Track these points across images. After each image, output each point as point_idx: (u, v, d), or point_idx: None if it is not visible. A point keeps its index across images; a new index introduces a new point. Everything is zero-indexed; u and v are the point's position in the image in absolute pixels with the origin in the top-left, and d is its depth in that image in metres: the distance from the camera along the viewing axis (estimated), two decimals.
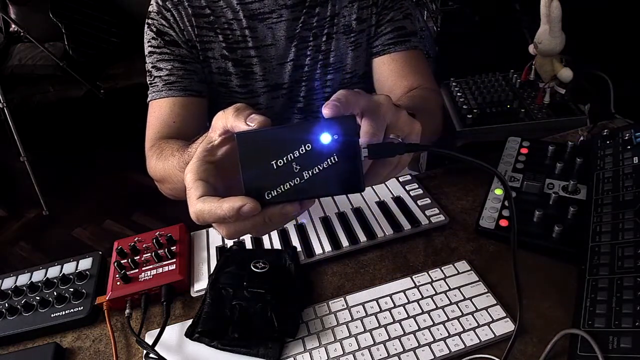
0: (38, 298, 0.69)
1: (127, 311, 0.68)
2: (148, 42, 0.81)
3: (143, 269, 0.71)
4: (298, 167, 0.37)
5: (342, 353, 0.60)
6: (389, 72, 0.84)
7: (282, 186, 0.38)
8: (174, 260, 0.72)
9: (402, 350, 0.59)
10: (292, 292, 0.67)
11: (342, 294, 0.68)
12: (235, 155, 0.38)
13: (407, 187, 0.83)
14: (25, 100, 2.49)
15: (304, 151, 0.37)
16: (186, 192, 0.40)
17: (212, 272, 0.71)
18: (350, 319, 0.64)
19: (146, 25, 0.81)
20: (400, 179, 0.86)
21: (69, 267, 0.75)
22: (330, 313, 0.65)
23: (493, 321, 0.61)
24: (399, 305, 0.65)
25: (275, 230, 0.78)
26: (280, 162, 0.37)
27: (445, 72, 1.42)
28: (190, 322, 0.65)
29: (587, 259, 0.64)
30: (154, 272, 0.70)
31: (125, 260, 0.72)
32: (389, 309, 0.64)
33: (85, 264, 0.75)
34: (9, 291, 0.72)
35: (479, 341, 0.59)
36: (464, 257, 0.71)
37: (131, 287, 0.69)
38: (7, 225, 2.26)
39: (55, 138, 2.64)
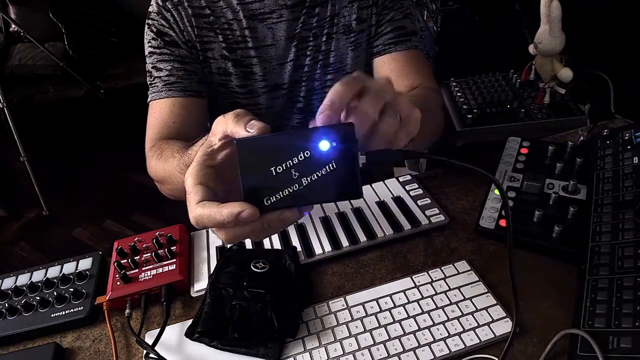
0: (38, 298, 0.69)
1: (127, 311, 0.68)
2: (148, 42, 0.81)
3: (143, 269, 0.71)
4: (297, 174, 0.38)
5: (342, 353, 0.60)
6: (390, 72, 0.84)
7: (280, 192, 0.38)
8: (174, 260, 0.72)
9: (402, 350, 0.59)
10: (292, 292, 0.67)
11: (342, 294, 0.68)
12: (235, 159, 0.38)
13: (407, 187, 0.83)
14: (25, 100, 2.49)
15: (302, 158, 0.37)
16: (186, 195, 0.40)
17: (212, 272, 0.71)
18: (350, 319, 0.64)
19: (146, 26, 0.81)
20: (400, 179, 0.86)
21: (69, 267, 0.75)
22: (330, 313, 0.65)
23: (493, 321, 0.61)
24: (399, 305, 0.65)
25: None
26: (279, 169, 0.38)
27: (445, 72, 1.42)
28: (190, 322, 0.65)
29: (587, 259, 0.64)
30: (154, 272, 0.70)
31: (125, 260, 0.72)
32: (389, 309, 0.64)
33: (85, 264, 0.75)
34: (9, 291, 0.72)
35: (479, 341, 0.59)
36: (464, 257, 0.71)
37: (131, 287, 0.69)
38: (7, 225, 2.26)
39: (55, 138, 2.64)
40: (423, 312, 0.63)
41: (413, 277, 0.68)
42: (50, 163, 2.49)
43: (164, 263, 0.71)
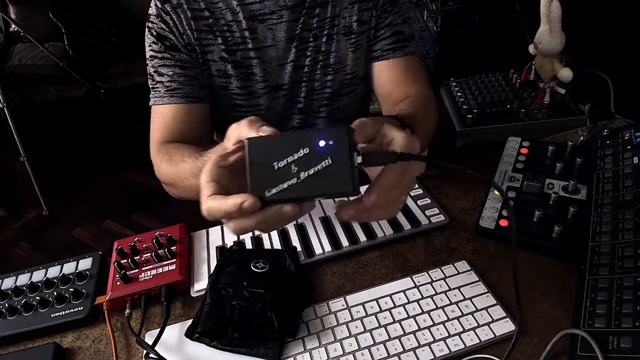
0: (38, 298, 0.69)
1: (127, 311, 0.68)
2: (149, 45, 0.81)
3: (143, 269, 0.71)
4: (296, 169, 0.40)
5: (342, 353, 0.60)
6: (388, 79, 0.86)
7: (280, 185, 0.41)
8: (174, 260, 0.72)
9: (402, 350, 0.59)
10: (292, 292, 0.67)
11: (342, 294, 0.68)
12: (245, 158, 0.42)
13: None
14: (25, 100, 2.49)
15: (302, 154, 0.40)
16: (200, 191, 0.43)
17: (212, 272, 0.71)
18: (350, 319, 0.64)
19: (147, 29, 0.81)
20: None
21: (69, 267, 0.75)
22: (330, 313, 0.65)
23: (493, 321, 0.61)
24: (399, 305, 0.65)
25: (275, 230, 0.78)
26: (280, 164, 0.41)
27: (445, 72, 1.42)
28: (190, 322, 0.65)
29: (587, 259, 0.64)
30: (154, 272, 0.70)
31: (125, 260, 0.72)
32: (389, 309, 0.64)
33: (85, 264, 0.75)
34: (9, 291, 0.72)
35: (479, 341, 0.59)
36: (464, 257, 0.71)
37: (131, 287, 0.69)
38: (7, 225, 2.26)
39: (55, 138, 2.64)
40: (423, 312, 0.63)
41: (413, 277, 0.68)
42: (50, 163, 2.49)
43: (164, 263, 0.71)
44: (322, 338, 0.62)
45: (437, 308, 0.64)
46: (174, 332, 0.65)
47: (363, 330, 0.62)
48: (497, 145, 0.89)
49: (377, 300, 0.66)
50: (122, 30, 2.72)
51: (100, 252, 0.78)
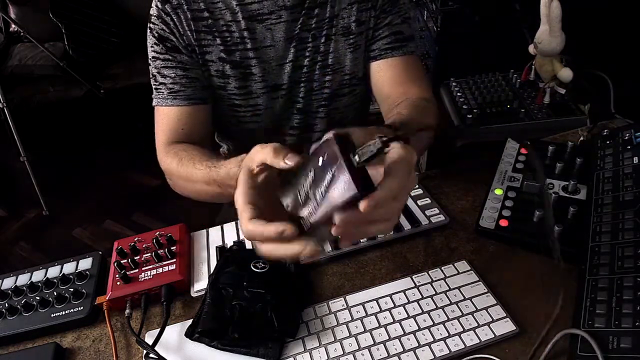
0: (38, 298, 0.69)
1: (127, 311, 0.68)
2: (151, 47, 0.82)
3: (143, 269, 0.71)
4: (311, 192, 0.43)
5: (342, 353, 0.60)
6: (386, 79, 0.85)
7: (307, 210, 0.44)
8: (174, 260, 0.72)
9: (402, 350, 0.59)
10: (292, 292, 0.67)
11: (342, 294, 0.68)
12: (269, 181, 0.49)
13: None
14: (25, 100, 2.49)
15: (311, 178, 0.43)
16: (238, 213, 0.48)
17: (212, 272, 0.71)
18: (350, 319, 0.64)
19: (148, 30, 0.81)
20: None
21: (69, 267, 0.75)
22: (330, 313, 0.65)
23: (493, 321, 0.61)
24: (399, 305, 0.65)
25: None
26: (302, 191, 0.44)
27: (445, 72, 1.42)
28: (190, 322, 0.65)
29: (587, 259, 0.64)
30: (154, 272, 0.70)
31: (125, 260, 0.72)
32: (389, 309, 0.64)
33: (85, 264, 0.75)
34: (9, 291, 0.72)
35: (479, 341, 0.59)
36: (464, 257, 0.71)
37: (131, 287, 0.69)
38: (7, 225, 2.26)
39: (55, 138, 2.64)
40: (423, 312, 0.63)
41: (413, 277, 0.68)
42: (50, 163, 2.49)
43: (164, 263, 0.71)
44: (322, 338, 0.62)
45: (437, 308, 0.64)
46: (174, 332, 0.65)
47: (363, 330, 0.62)
48: (497, 145, 0.89)
49: (377, 300, 0.66)
50: (122, 30, 2.72)
51: (100, 252, 0.78)
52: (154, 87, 0.83)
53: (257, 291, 0.65)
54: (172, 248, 0.73)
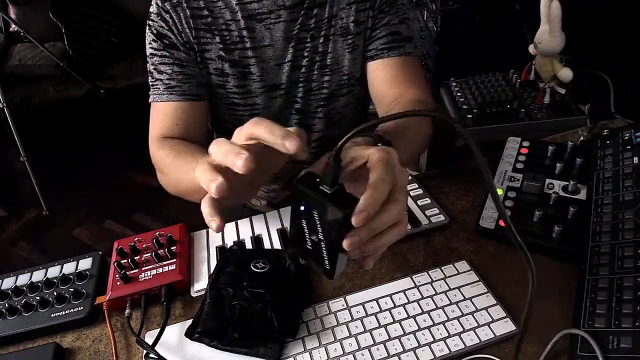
0: (38, 298, 0.69)
1: (127, 311, 0.68)
2: (149, 43, 0.82)
3: (143, 269, 0.71)
4: (313, 237, 0.45)
5: (342, 353, 0.60)
6: (381, 79, 0.84)
7: (323, 252, 0.45)
8: (174, 260, 0.72)
9: (402, 350, 0.59)
10: (292, 292, 0.67)
11: (342, 294, 0.68)
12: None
13: (407, 187, 0.83)
14: (25, 100, 2.49)
15: (305, 224, 0.45)
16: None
17: (212, 272, 0.71)
18: (350, 319, 0.64)
19: (147, 27, 0.82)
20: None
21: (69, 267, 0.75)
22: (330, 313, 0.65)
23: (493, 321, 0.61)
24: (399, 305, 0.65)
25: (275, 230, 0.78)
26: (309, 242, 0.46)
27: (445, 72, 1.42)
28: (190, 322, 0.65)
29: (587, 259, 0.64)
30: (154, 272, 0.70)
31: (125, 260, 0.72)
32: (389, 309, 0.64)
33: (85, 264, 0.75)
34: (9, 291, 0.72)
35: (479, 341, 0.59)
36: (464, 257, 0.71)
37: (131, 287, 0.69)
38: (7, 225, 2.26)
39: (55, 138, 2.64)
40: (423, 312, 0.63)
41: (413, 277, 0.68)
42: (50, 163, 2.49)
43: (164, 263, 0.71)
44: (322, 338, 0.62)
45: (437, 308, 0.64)
46: (174, 332, 0.65)
47: (363, 330, 0.62)
48: (497, 145, 0.89)
49: (377, 300, 0.66)
50: (122, 30, 2.72)
51: (100, 252, 0.78)
52: (150, 83, 0.83)
53: (257, 291, 0.65)
54: (172, 248, 0.73)
